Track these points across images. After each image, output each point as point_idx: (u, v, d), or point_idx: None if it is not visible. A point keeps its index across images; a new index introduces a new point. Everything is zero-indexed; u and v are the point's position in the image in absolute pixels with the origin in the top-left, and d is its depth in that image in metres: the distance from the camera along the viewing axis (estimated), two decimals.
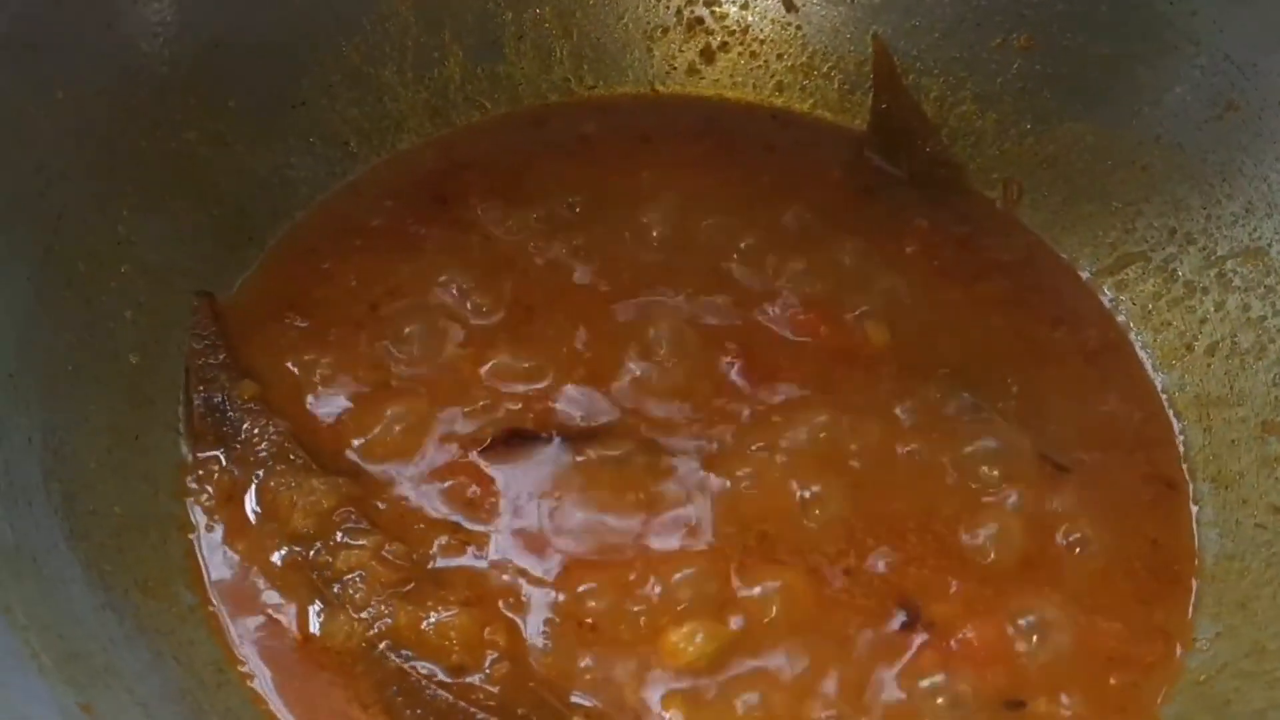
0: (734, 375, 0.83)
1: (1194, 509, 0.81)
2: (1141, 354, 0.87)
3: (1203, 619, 0.76)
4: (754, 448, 0.80)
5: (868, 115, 0.96)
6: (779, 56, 0.98)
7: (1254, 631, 0.74)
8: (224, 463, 0.78)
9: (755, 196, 0.92)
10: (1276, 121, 0.83)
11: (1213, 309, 0.86)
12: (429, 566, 0.74)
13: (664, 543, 0.76)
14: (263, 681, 0.72)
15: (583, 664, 0.72)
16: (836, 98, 0.97)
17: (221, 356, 0.81)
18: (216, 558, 0.75)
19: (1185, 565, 0.78)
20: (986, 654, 0.73)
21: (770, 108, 0.98)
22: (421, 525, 0.76)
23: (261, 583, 0.75)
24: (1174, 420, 0.84)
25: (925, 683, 0.73)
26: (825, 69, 0.98)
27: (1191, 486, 0.81)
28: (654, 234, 0.89)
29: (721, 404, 0.82)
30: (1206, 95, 0.85)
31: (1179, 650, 0.75)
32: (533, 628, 0.73)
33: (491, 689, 0.69)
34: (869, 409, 0.81)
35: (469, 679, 0.70)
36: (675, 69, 0.99)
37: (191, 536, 0.76)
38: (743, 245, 0.89)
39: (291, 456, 0.77)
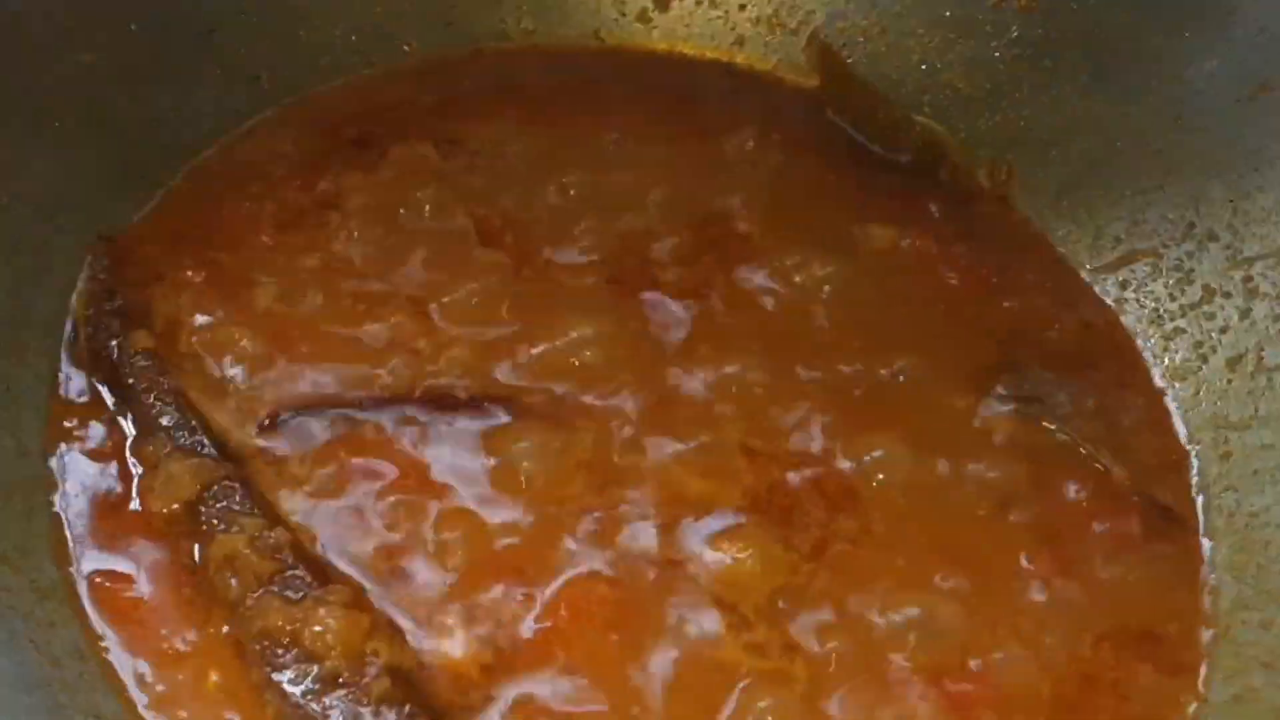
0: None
1: (1205, 544, 0.76)
2: (1150, 361, 0.82)
3: (1216, 678, 0.71)
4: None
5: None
6: (742, 7, 0.93)
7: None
8: (103, 420, 0.74)
9: (706, 168, 0.87)
10: None
11: (1236, 317, 0.80)
12: (314, 557, 0.70)
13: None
14: (129, 675, 0.67)
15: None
16: (804, 58, 0.92)
17: (117, 303, 0.77)
18: (85, 529, 0.71)
19: (1194, 611, 0.73)
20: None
21: (728, 64, 0.93)
22: (313, 510, 0.72)
23: (133, 563, 0.70)
24: (1186, 442, 0.79)
25: None
26: (793, 23, 0.93)
27: (1203, 520, 0.76)
28: (586, 200, 0.85)
29: (650, 380, 0.77)
30: (1237, 72, 0.80)
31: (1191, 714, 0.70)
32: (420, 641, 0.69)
33: (362, 709, 0.65)
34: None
35: (341, 693, 0.66)
36: (624, 15, 0.94)
37: (59, 504, 0.72)
38: (692, 219, 0.84)
39: (177, 418, 0.73)
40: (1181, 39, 0.81)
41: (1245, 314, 0.80)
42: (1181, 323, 0.82)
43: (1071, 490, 0.75)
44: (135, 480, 0.72)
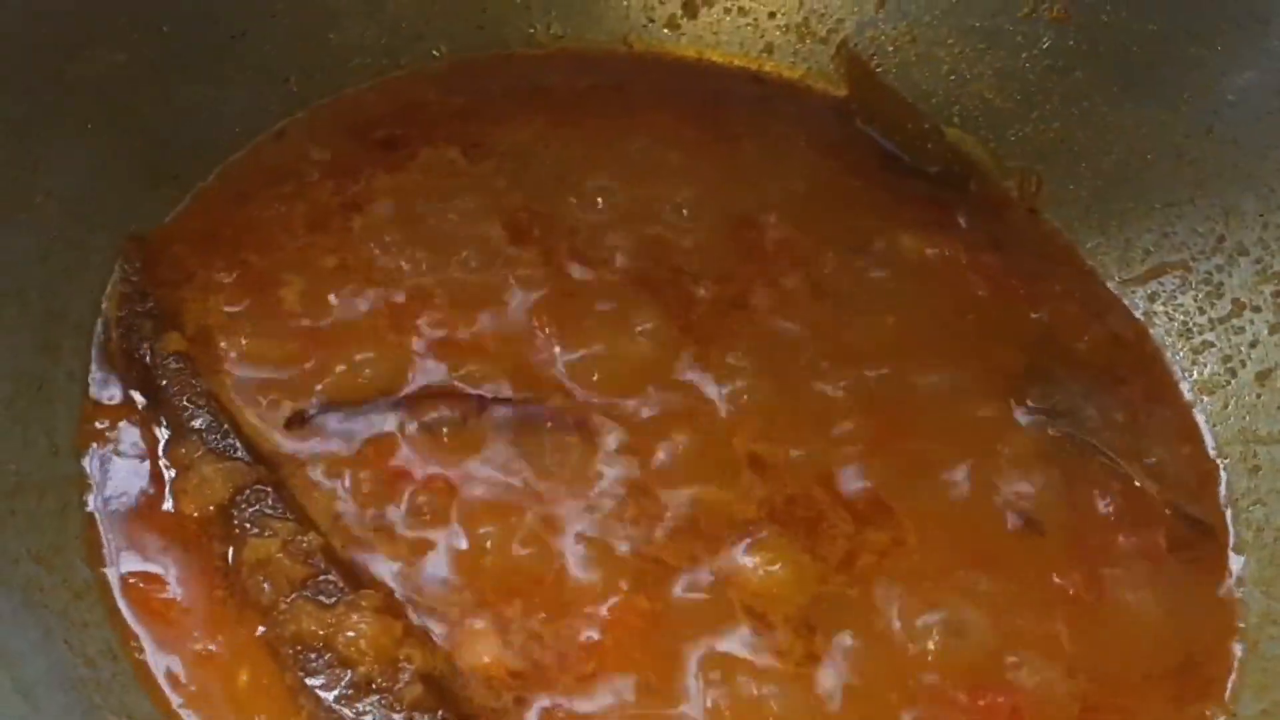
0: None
1: (1233, 558, 0.75)
2: (1178, 375, 0.81)
3: (1245, 693, 0.70)
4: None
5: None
6: (771, 15, 0.92)
7: None
8: (135, 421, 0.74)
9: (734, 174, 0.86)
10: None
11: (1266, 331, 0.79)
12: (346, 562, 0.70)
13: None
14: (162, 675, 0.67)
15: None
16: (833, 66, 0.92)
17: (149, 305, 0.77)
18: (118, 529, 0.71)
19: (1222, 625, 0.72)
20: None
21: (756, 71, 0.93)
22: (345, 513, 0.72)
23: (166, 565, 0.70)
24: (1214, 456, 0.78)
25: None
26: (823, 32, 0.92)
27: (1232, 534, 0.75)
28: (615, 205, 0.84)
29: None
30: (1271, 84, 0.79)
31: None
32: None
33: (395, 715, 0.65)
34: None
35: (374, 698, 0.66)
36: (653, 21, 0.93)
37: (92, 503, 0.71)
38: (721, 226, 0.84)
39: (209, 421, 0.73)
40: (1215, 51, 0.80)
41: (1275, 329, 0.79)
42: (1210, 336, 0.81)
43: (1100, 503, 0.74)
44: (168, 482, 0.72)
